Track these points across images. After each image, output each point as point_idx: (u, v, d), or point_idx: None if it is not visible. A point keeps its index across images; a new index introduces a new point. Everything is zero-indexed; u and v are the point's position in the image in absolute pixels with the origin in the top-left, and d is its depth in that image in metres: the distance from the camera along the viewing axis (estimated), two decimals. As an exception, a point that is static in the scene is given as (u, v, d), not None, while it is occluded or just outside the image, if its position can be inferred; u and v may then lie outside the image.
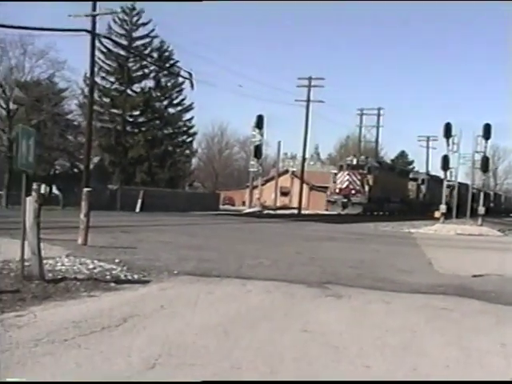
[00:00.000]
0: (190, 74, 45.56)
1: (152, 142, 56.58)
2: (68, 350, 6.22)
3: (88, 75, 43.75)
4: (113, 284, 10.05)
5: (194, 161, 75.69)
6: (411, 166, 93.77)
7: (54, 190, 47.22)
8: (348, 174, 56.03)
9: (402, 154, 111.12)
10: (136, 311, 8.07)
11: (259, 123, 61.20)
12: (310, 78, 63.80)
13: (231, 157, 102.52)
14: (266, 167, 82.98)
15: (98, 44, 42.94)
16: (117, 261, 12.41)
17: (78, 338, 6.59)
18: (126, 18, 55.65)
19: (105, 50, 54.07)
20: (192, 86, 45.77)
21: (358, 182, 55.65)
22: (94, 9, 37.94)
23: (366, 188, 55.94)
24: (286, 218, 41.80)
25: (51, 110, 44.01)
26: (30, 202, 9.99)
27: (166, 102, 59.26)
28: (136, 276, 11.00)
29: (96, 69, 44.89)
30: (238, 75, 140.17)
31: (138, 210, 43.66)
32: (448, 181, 48.15)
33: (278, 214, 52.36)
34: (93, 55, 39.88)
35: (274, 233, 26.46)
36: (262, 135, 62.13)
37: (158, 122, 58.33)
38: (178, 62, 55.94)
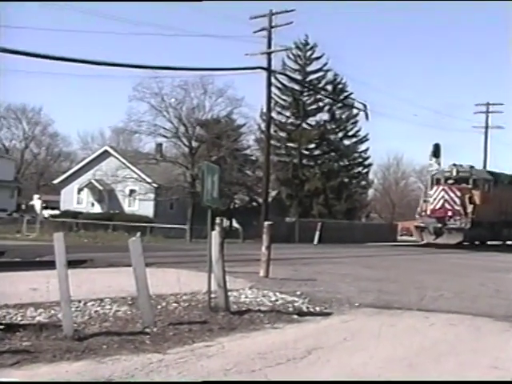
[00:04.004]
0: (365, 106, 45.87)
1: (328, 175, 56.84)
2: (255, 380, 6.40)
3: (264, 111, 45.01)
4: (295, 316, 10.20)
5: (371, 192, 75.15)
6: None
7: (234, 224, 48.60)
8: (443, 190, 42.07)
9: None
10: (319, 343, 8.14)
11: (436, 152, 59.62)
12: (487, 104, 62.02)
13: (408, 187, 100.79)
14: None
15: (273, 80, 44.24)
16: (298, 293, 12.57)
17: (264, 369, 6.76)
18: (299, 53, 56.61)
19: (280, 86, 55.32)
20: (367, 117, 46.04)
21: (458, 201, 41.13)
22: (269, 46, 39.17)
23: (469, 208, 40.84)
24: (467, 248, 40.35)
25: (230, 145, 45.41)
26: (215, 236, 10.38)
27: (341, 134, 59.30)
28: (317, 308, 11.10)
29: (272, 104, 45.96)
30: (413, 104, 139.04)
31: (315, 242, 43.89)
32: None
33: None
34: (269, 91, 41.07)
35: (454, 263, 25.69)
36: (439, 164, 60.54)
37: (333, 154, 58.49)
38: (351, 93, 56.26)
